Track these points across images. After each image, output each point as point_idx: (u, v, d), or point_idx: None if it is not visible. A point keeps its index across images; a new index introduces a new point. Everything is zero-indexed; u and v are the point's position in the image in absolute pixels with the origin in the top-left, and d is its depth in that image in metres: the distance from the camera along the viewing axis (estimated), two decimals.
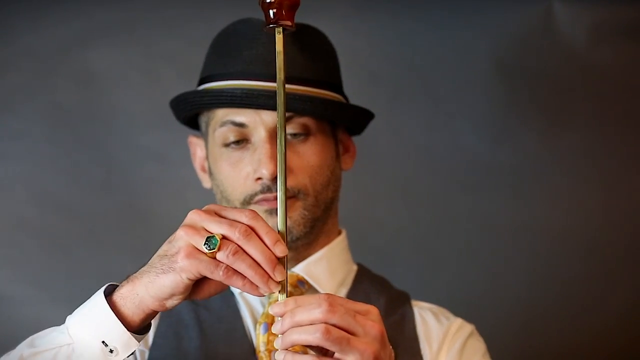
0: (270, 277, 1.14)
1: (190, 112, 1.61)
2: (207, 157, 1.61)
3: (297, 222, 1.51)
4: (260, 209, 1.50)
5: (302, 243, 1.54)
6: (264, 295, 1.15)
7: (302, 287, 1.54)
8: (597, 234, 2.14)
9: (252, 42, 1.54)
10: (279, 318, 1.12)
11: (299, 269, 1.56)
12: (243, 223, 1.15)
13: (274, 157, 1.49)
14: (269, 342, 1.47)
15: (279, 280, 1.14)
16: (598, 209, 2.15)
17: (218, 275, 1.13)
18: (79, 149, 2.11)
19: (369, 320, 1.12)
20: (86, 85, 2.11)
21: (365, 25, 2.17)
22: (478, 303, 2.07)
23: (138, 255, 2.06)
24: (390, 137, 2.14)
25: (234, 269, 1.14)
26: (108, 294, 1.22)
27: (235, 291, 1.57)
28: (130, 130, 2.11)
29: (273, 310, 1.12)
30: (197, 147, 1.65)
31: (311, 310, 1.09)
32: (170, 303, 1.19)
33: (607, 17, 2.15)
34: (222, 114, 1.54)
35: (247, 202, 1.51)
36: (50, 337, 1.23)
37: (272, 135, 1.51)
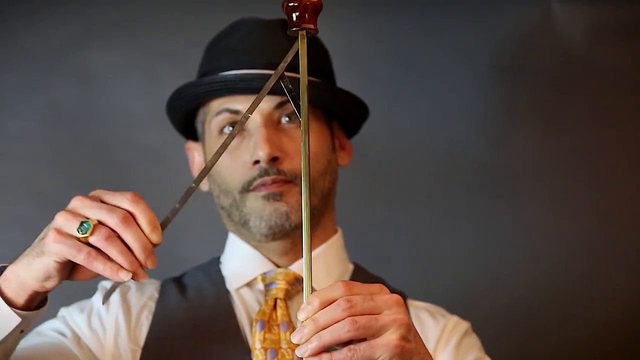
0: (141, 265, 1.15)
1: (187, 106, 1.61)
2: (204, 159, 1.61)
3: (295, 208, 1.51)
4: (258, 195, 1.51)
5: (300, 233, 1.54)
6: (124, 281, 1.15)
7: (298, 284, 1.55)
8: (596, 234, 2.14)
9: (246, 36, 1.56)
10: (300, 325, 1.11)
11: (296, 267, 1.56)
12: (123, 208, 1.15)
13: (269, 140, 1.50)
14: (265, 340, 1.46)
15: (150, 267, 1.15)
16: (597, 210, 2.15)
17: (80, 259, 1.14)
18: (77, 149, 2.11)
19: (384, 295, 1.12)
20: (85, 85, 2.12)
21: (363, 26, 2.17)
22: (476, 303, 2.07)
23: None
24: (389, 137, 2.14)
25: (96, 254, 1.14)
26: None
27: (231, 289, 1.58)
28: (129, 130, 2.11)
29: (300, 316, 1.10)
30: (194, 152, 1.67)
31: (333, 312, 1.08)
32: (50, 284, 1.20)
33: (606, 17, 2.15)
34: (218, 104, 1.56)
35: (246, 189, 1.52)
36: None
37: (268, 120, 1.52)
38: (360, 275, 1.63)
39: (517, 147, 2.16)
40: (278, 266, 1.57)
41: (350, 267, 1.65)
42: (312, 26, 1.15)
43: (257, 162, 1.50)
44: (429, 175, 2.16)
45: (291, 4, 1.14)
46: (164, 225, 1.17)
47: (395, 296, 1.11)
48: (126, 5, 2.13)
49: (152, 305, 1.55)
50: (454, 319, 1.59)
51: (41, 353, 1.44)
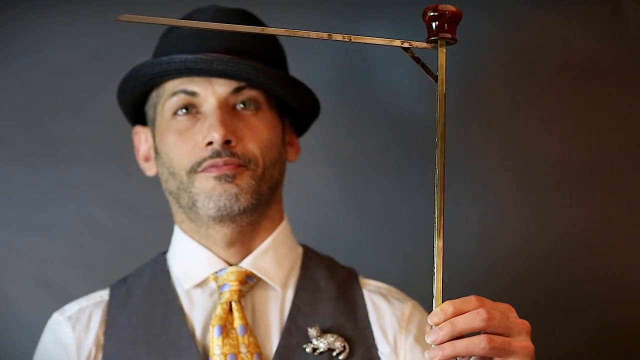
0: None
1: (142, 87, 1.58)
2: (153, 143, 1.59)
3: (245, 191, 1.50)
4: (208, 176, 1.49)
5: (247, 222, 1.53)
6: None
7: (250, 281, 1.54)
8: None
9: (210, 21, 1.53)
10: (434, 327, 1.12)
11: (247, 264, 1.54)
12: None
13: (225, 123, 1.49)
14: (224, 346, 1.46)
15: None
16: None
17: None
18: None
19: (516, 318, 1.14)
20: None
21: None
22: (551, 304, 2.05)
23: None
24: (461, 137, 2.13)
25: None
26: None
27: (181, 290, 1.56)
28: None
29: (432, 320, 1.12)
30: (142, 136, 1.64)
31: (472, 319, 1.10)
32: None
33: None
34: (174, 85, 1.54)
35: (194, 170, 1.50)
36: None
37: (223, 103, 1.51)
38: (310, 257, 1.63)
39: (587, 144, 2.14)
40: (229, 264, 1.55)
41: (300, 250, 1.64)
42: (449, 35, 1.16)
43: (210, 143, 1.49)
44: (501, 175, 2.15)
45: (432, 14, 1.15)
46: None
47: (526, 322, 1.14)
48: (186, 8, 2.14)
49: (102, 336, 1.53)
50: (409, 304, 1.58)
51: None
